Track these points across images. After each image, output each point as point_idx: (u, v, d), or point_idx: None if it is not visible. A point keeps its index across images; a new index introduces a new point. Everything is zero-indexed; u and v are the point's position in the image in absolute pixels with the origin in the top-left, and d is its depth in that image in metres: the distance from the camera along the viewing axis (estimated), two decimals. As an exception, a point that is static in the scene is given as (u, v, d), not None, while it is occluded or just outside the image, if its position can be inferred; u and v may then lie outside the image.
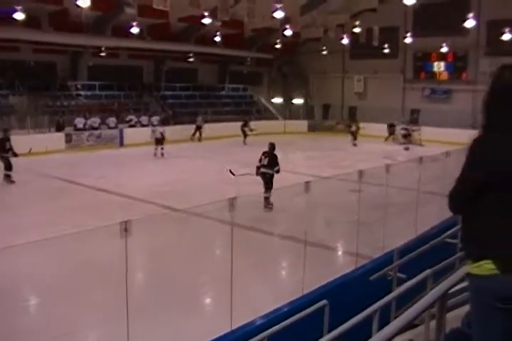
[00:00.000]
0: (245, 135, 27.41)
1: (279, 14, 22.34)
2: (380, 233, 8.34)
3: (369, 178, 8.70)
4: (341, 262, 7.89)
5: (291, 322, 4.91)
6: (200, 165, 20.48)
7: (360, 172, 7.56)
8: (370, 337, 2.32)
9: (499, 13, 27.00)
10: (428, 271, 4.94)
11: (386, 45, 32.20)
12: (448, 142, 24.71)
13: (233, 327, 5.38)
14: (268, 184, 12.55)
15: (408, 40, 30.35)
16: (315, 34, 32.02)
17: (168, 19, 25.89)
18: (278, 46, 33.48)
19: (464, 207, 2.51)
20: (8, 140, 16.06)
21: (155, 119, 28.73)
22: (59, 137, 23.85)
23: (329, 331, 4.17)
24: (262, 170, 12.69)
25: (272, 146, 13.12)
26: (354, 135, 27.35)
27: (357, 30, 29.55)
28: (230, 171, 13.27)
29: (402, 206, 10.16)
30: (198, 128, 28.58)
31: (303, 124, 34.91)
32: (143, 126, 28.05)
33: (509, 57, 27.02)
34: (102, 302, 7.00)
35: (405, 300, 4.91)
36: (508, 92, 2.39)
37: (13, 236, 8.91)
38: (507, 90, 2.40)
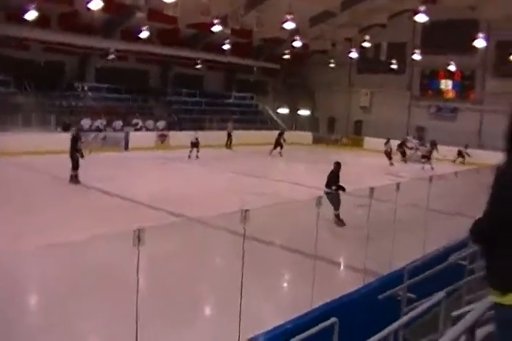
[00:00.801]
0: (281, 146, 26.80)
1: (289, 25, 22.34)
2: (387, 249, 8.25)
3: (376, 194, 8.61)
4: (349, 278, 7.78)
5: (298, 340, 4.78)
6: (206, 172, 20.41)
7: (372, 190, 7.48)
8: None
9: (508, 34, 27.04)
10: (442, 293, 4.81)
11: (394, 61, 32.23)
12: (453, 160, 24.76)
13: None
14: (333, 202, 11.91)
15: (416, 56, 30.40)
16: (323, 46, 32.14)
17: (177, 25, 26.04)
18: (286, 57, 33.51)
19: (489, 240, 2.46)
20: (80, 139, 16.44)
21: (160, 124, 28.78)
22: (66, 137, 23.70)
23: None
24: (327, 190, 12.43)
25: (337, 166, 12.77)
26: (389, 155, 25.49)
27: (365, 44, 29.58)
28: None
29: (409, 223, 10.08)
30: (229, 135, 28.82)
31: (308, 136, 34.91)
32: (148, 130, 28.06)
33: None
34: (108, 309, 6.93)
35: (415, 320, 4.80)
36: None
37: (17, 242, 8.82)
38: None
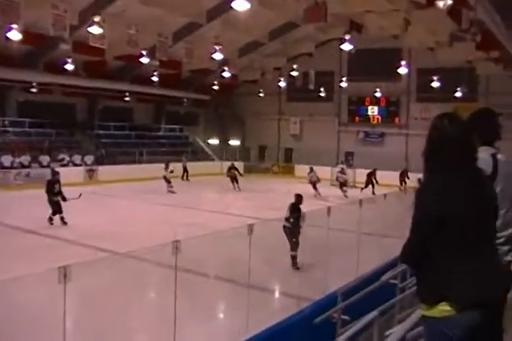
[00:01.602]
0: (237, 180, 26.13)
1: (217, 56, 22.42)
2: (320, 274, 8.14)
3: (308, 220, 8.52)
4: (283, 304, 7.63)
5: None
6: (134, 205, 19.85)
7: (303, 215, 7.40)
8: None
9: (428, 62, 28.18)
10: (374, 313, 4.71)
11: (322, 89, 32.91)
12: (382, 184, 25.21)
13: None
14: (291, 240, 10.78)
15: (343, 84, 31.13)
16: (252, 76, 32.48)
17: (104, 57, 25.57)
18: (215, 87, 33.62)
19: (419, 256, 2.53)
20: (58, 182, 15.64)
21: (88, 159, 28.03)
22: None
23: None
24: (286, 224, 10.91)
25: (299, 198, 11.69)
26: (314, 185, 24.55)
27: (294, 73, 30.04)
28: None
29: (341, 247, 10.03)
30: (185, 168, 29.31)
31: (239, 166, 34.68)
32: (75, 165, 27.22)
33: (438, 103, 28.25)
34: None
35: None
36: (449, 141, 2.52)
37: None
38: (448, 140, 2.52)
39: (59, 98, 29.99)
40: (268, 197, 23.52)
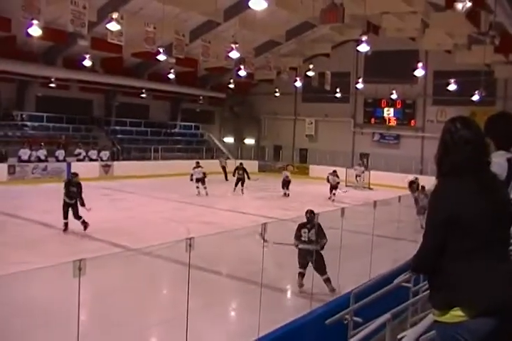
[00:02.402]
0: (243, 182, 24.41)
1: (234, 55, 22.44)
2: (333, 276, 8.15)
3: (321, 221, 8.54)
4: (296, 304, 7.67)
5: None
6: (148, 202, 19.95)
7: (317, 216, 7.42)
8: None
9: (445, 65, 28.02)
10: (387, 315, 4.72)
11: (338, 90, 32.79)
12: (396, 186, 25.12)
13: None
14: (319, 263, 9.20)
15: (359, 85, 31.01)
16: (268, 76, 32.40)
17: (121, 53, 25.76)
18: (231, 86, 33.67)
19: (433, 262, 2.50)
20: (76, 185, 14.05)
21: (104, 154, 28.24)
22: (1, 168, 22.98)
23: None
24: (307, 246, 9.27)
25: (312, 214, 9.50)
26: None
27: (310, 73, 29.97)
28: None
29: (355, 249, 10.03)
30: (224, 168, 28.94)
31: (254, 164, 34.85)
32: (91, 160, 27.47)
33: (454, 106, 28.06)
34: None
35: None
36: (462, 144, 2.52)
37: None
38: (460, 142, 2.53)
39: (76, 93, 30.29)
40: (282, 196, 23.51)
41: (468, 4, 15.18)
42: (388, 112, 33.38)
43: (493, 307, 2.34)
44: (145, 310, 8.15)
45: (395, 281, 6.70)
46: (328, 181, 23.06)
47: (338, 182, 23.22)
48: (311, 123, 36.55)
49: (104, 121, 31.88)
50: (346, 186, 28.47)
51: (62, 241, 12.61)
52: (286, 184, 23.76)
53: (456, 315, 2.37)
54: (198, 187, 22.22)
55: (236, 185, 23.97)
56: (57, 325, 6.83)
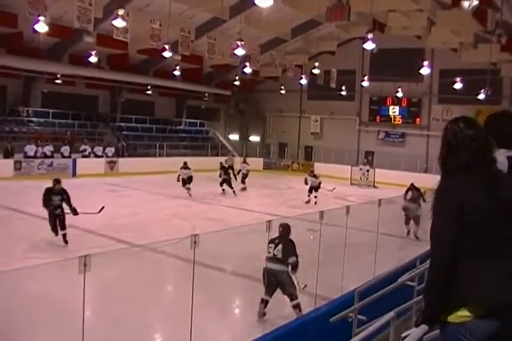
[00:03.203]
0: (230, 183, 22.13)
1: (239, 52, 22.43)
2: (338, 273, 8.17)
3: (326, 218, 8.54)
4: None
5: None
6: (153, 198, 19.99)
7: (321, 213, 7.43)
8: None
9: (451, 63, 27.92)
10: (391, 314, 4.73)
11: (343, 88, 32.76)
12: (401, 185, 25.08)
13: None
14: (286, 287, 7.82)
15: (365, 83, 30.97)
16: (274, 73, 32.39)
17: (127, 50, 25.80)
18: (236, 83, 33.66)
19: (451, 263, 2.42)
20: (59, 193, 12.24)
21: (109, 150, 28.31)
22: (7, 164, 23.06)
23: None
24: (270, 265, 7.86)
25: (286, 229, 8.14)
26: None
27: (315, 71, 29.94)
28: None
29: (359, 247, 10.05)
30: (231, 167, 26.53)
31: (259, 162, 34.88)
32: (97, 156, 27.56)
33: (460, 105, 27.99)
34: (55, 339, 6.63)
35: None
36: (466, 142, 2.54)
37: None
38: (464, 140, 2.55)
39: (82, 90, 30.36)
40: (287, 194, 23.55)
41: (475, 2, 15.15)
42: (394, 110, 33.32)
43: (496, 307, 2.31)
44: (149, 306, 8.19)
45: (400, 280, 6.71)
46: (306, 183, 20.75)
47: (320, 182, 20.78)
48: (317, 120, 36.53)
49: (110, 118, 31.93)
50: (351, 184, 28.56)
51: (68, 237, 12.62)
52: (244, 177, 23.48)
53: (463, 315, 2.36)
54: (188, 189, 20.49)
55: (221, 185, 21.85)
56: (62, 320, 6.86)
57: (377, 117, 34.07)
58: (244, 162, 24.76)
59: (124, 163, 27.68)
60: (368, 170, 28.70)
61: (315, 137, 36.75)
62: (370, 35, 20.14)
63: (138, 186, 22.83)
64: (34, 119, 27.79)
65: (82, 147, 27.21)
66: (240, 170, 23.84)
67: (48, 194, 12.14)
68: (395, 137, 33.23)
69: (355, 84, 33.60)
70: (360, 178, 28.84)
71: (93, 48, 24.52)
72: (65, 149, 26.10)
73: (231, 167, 26.24)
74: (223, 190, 21.88)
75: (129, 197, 20.30)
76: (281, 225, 8.08)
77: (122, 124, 32.37)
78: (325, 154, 33.06)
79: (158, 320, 7.94)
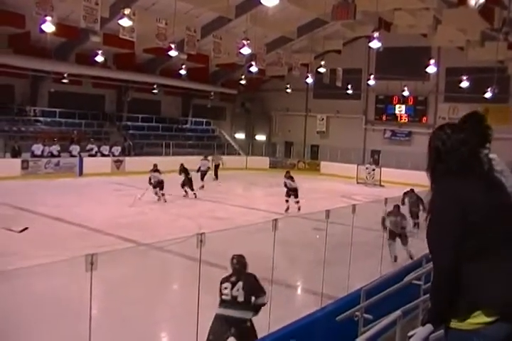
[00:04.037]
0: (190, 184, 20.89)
1: (245, 51, 22.44)
2: (344, 272, 8.17)
3: (332, 217, 8.54)
4: (306, 301, 7.69)
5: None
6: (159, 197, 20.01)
7: (327, 212, 7.43)
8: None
9: (458, 61, 27.83)
10: (398, 312, 4.73)
11: (349, 86, 32.70)
12: (407, 183, 25.03)
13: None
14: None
15: (371, 82, 30.91)
16: (280, 72, 32.37)
17: (133, 49, 25.87)
18: (242, 82, 33.67)
19: (455, 270, 2.36)
20: None
21: (116, 149, 28.40)
22: (14, 163, 23.18)
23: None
24: (227, 312, 6.02)
25: (241, 261, 6.55)
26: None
27: (321, 70, 29.91)
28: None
29: (365, 246, 10.04)
30: (217, 166, 26.94)
31: (265, 161, 34.91)
32: (103, 155, 27.66)
33: (466, 103, 27.88)
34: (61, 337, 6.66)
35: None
36: (457, 145, 2.51)
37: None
38: (455, 144, 2.52)
39: (89, 89, 30.43)
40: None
41: (482, 0, 15.09)
42: (400, 109, 33.25)
43: (507, 310, 2.25)
44: (156, 305, 8.21)
45: (406, 279, 6.71)
46: (285, 186, 18.91)
47: (296, 188, 18.77)
48: (323, 119, 36.49)
49: (116, 117, 32.01)
50: (358, 183, 28.52)
51: (73, 235, 12.69)
52: (204, 175, 23.32)
53: (474, 322, 2.29)
54: (156, 193, 19.23)
55: (182, 187, 20.59)
56: (69, 319, 6.89)
57: (384, 116, 33.99)
58: (205, 159, 24.35)
59: (131, 162, 27.75)
60: (374, 169, 28.70)
61: (321, 136, 36.71)
62: (376, 34, 20.12)
63: (145, 185, 22.83)
64: (41, 119, 27.90)
65: (89, 146, 27.33)
66: (199, 168, 23.52)
67: None
68: (401, 136, 33.15)
69: (361, 83, 33.55)
70: (366, 177, 28.83)
71: (99, 48, 24.57)
72: (74, 148, 26.21)
73: (217, 166, 26.18)
74: (185, 191, 20.62)
75: (135, 196, 20.32)
76: (233, 257, 6.48)
77: (129, 123, 32.45)
78: (331, 153, 33.03)
79: (165, 319, 7.97)
